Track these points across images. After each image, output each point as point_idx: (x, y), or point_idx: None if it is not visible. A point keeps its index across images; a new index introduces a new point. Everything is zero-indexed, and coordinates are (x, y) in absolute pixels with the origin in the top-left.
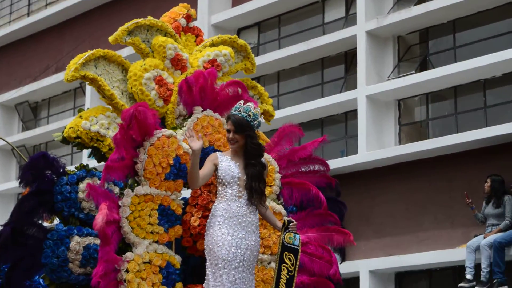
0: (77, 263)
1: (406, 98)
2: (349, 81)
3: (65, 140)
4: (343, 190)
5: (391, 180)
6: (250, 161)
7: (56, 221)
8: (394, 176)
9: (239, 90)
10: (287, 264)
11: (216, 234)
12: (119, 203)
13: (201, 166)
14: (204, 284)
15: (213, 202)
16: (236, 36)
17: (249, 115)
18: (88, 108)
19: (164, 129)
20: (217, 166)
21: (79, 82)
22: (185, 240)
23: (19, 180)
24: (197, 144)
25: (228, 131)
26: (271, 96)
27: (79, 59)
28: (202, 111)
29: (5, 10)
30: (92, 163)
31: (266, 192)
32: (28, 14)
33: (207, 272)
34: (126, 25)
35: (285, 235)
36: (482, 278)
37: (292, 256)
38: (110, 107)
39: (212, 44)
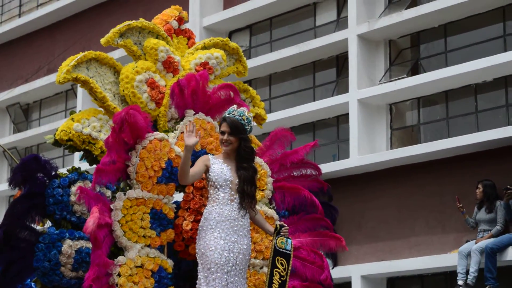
0: (69, 267)
1: (397, 102)
2: (340, 85)
3: (57, 143)
4: (334, 195)
5: (382, 184)
6: (242, 164)
7: (48, 224)
8: (385, 181)
9: (231, 93)
10: (279, 269)
11: (208, 238)
12: (111, 206)
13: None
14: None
15: (205, 206)
16: (228, 39)
17: (243, 119)
18: (80, 111)
19: (156, 132)
20: (208, 168)
21: (70, 84)
22: (177, 244)
23: (9, 182)
24: (192, 140)
25: (223, 132)
26: (263, 99)
27: (70, 61)
28: (194, 114)
29: None
30: (84, 165)
31: (258, 197)
32: (19, 15)
33: (199, 276)
34: (118, 27)
35: (277, 239)
36: (469, 282)
37: (284, 261)
38: (102, 109)
39: (204, 47)
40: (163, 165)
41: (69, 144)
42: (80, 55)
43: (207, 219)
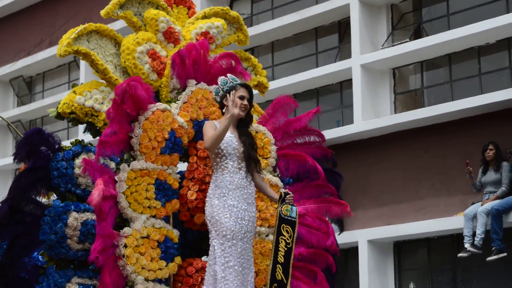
0: (75, 239)
1: (400, 66)
2: (343, 51)
3: (59, 116)
4: (339, 160)
5: (387, 149)
6: (244, 130)
7: (53, 197)
8: (390, 145)
9: (233, 62)
10: (284, 236)
11: (222, 206)
12: (116, 178)
13: (196, 138)
14: (210, 255)
15: (210, 175)
16: (229, 7)
17: None
18: (82, 83)
19: (158, 103)
20: None
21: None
22: (183, 214)
23: (13, 157)
24: (237, 110)
25: (242, 97)
26: (265, 67)
27: (71, 33)
28: (195, 84)
29: None
30: (88, 138)
31: (262, 165)
32: None
33: (212, 243)
34: None
35: (282, 207)
36: (476, 243)
37: (290, 228)
38: (104, 81)
39: (205, 16)
40: (166, 136)
41: (71, 117)
42: (80, 27)
43: (219, 186)
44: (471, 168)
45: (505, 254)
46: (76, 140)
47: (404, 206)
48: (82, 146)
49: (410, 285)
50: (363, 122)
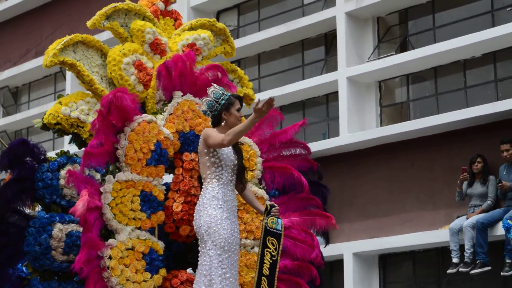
0: (60, 251)
1: (386, 79)
2: (329, 63)
3: (45, 127)
4: (325, 173)
5: (373, 161)
6: (236, 143)
7: (38, 208)
8: (376, 158)
9: (219, 74)
10: (270, 248)
11: (220, 217)
12: (101, 189)
13: (182, 150)
14: (202, 266)
15: (195, 187)
16: (215, 19)
17: None
18: (68, 94)
19: (144, 115)
20: None
21: (59, 66)
22: (168, 226)
23: None
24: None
25: (239, 110)
26: (251, 79)
27: (57, 44)
28: (182, 95)
29: None
30: (73, 149)
31: (248, 177)
32: None
33: (209, 253)
34: (104, 9)
35: (267, 219)
36: (466, 259)
37: (275, 240)
38: (90, 92)
39: (191, 28)
40: (152, 147)
41: (57, 128)
42: (66, 38)
43: (215, 197)
44: (467, 175)
45: (489, 267)
46: (61, 151)
47: (389, 219)
48: (67, 157)
49: None
50: (349, 135)
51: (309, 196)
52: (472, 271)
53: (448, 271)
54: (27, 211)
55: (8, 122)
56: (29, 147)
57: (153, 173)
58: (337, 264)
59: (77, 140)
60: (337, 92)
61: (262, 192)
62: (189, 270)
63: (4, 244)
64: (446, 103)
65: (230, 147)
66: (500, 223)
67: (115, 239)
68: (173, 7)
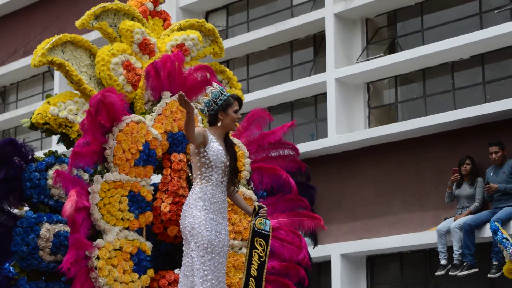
0: (47, 251)
1: (375, 81)
2: (318, 64)
3: (33, 127)
4: (313, 174)
5: (361, 163)
6: (229, 141)
7: (26, 208)
8: (364, 159)
9: (208, 74)
10: (258, 249)
11: (204, 218)
12: (89, 189)
13: (170, 151)
14: (185, 266)
15: (184, 188)
16: (204, 20)
17: None
18: (56, 94)
19: (133, 115)
20: (206, 143)
21: (47, 66)
22: (156, 227)
23: None
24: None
25: (236, 111)
26: (240, 80)
27: (46, 44)
28: (170, 96)
29: None
30: (61, 149)
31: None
32: None
33: (191, 254)
34: (93, 9)
35: (255, 220)
36: (455, 262)
37: (263, 241)
38: (78, 92)
39: (180, 28)
40: (141, 148)
41: (45, 128)
42: (55, 38)
43: (201, 198)
44: (458, 176)
45: (476, 269)
46: (49, 151)
47: (377, 220)
48: (55, 157)
49: None
50: (337, 136)
51: (297, 197)
52: (460, 273)
53: (437, 273)
54: (15, 211)
55: None
56: (17, 146)
57: (142, 174)
58: (325, 265)
59: (65, 140)
60: (325, 93)
61: (250, 193)
62: (177, 271)
63: None
64: (434, 105)
65: (222, 148)
66: (488, 225)
67: (103, 239)
68: (162, 7)
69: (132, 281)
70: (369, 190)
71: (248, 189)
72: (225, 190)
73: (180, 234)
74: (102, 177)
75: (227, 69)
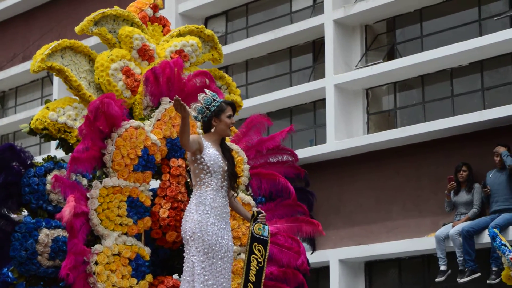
0: (46, 256)
1: (374, 87)
2: (317, 70)
3: (32, 132)
4: (312, 180)
5: (360, 169)
6: (226, 146)
7: (24, 213)
8: (362, 165)
9: (207, 80)
10: (256, 255)
11: (205, 223)
12: (88, 195)
13: (169, 156)
14: (185, 272)
15: (182, 193)
16: (203, 26)
17: None
18: (55, 99)
19: (131, 120)
20: (201, 149)
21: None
22: (154, 232)
23: None
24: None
25: (230, 116)
26: (239, 85)
27: (45, 49)
28: (169, 101)
29: None
30: (60, 154)
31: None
32: None
33: (192, 259)
34: (93, 15)
35: (254, 226)
36: (461, 267)
37: (262, 247)
38: (78, 98)
39: (179, 34)
40: (139, 153)
41: (44, 133)
42: (54, 43)
43: (203, 203)
44: (454, 184)
45: (479, 274)
46: (48, 156)
47: (375, 226)
48: (54, 163)
49: None
50: (336, 142)
51: (295, 203)
52: (461, 280)
53: (437, 279)
54: (13, 216)
55: None
56: (16, 152)
57: (140, 179)
58: (323, 271)
59: (64, 145)
60: (324, 99)
61: (249, 199)
62: (175, 276)
63: None
64: (433, 111)
65: (218, 153)
66: (486, 231)
67: (101, 244)
68: (161, 13)
69: (131, 286)
70: (368, 196)
71: (247, 194)
72: (226, 195)
73: (178, 240)
74: (101, 182)
75: (226, 75)
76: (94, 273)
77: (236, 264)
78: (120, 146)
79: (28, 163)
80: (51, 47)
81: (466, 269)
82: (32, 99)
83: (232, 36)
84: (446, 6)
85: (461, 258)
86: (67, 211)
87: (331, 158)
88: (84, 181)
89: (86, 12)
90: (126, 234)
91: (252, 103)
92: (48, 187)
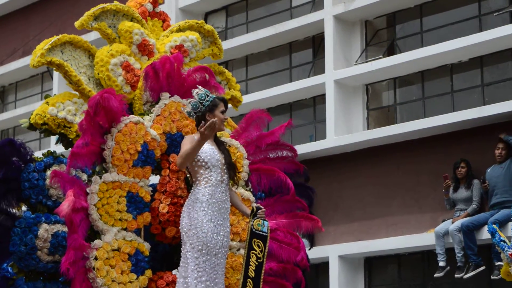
0: (45, 251)
1: (374, 82)
2: (317, 66)
3: (32, 127)
4: (311, 175)
5: (359, 164)
6: (219, 140)
7: (24, 208)
8: (362, 161)
9: (206, 75)
10: (256, 251)
11: (201, 220)
12: (87, 190)
13: (169, 151)
14: (180, 267)
15: (182, 189)
16: (203, 21)
17: None
18: (55, 94)
19: (131, 116)
20: None
21: (46, 66)
22: (154, 227)
23: None
24: (211, 133)
25: (223, 112)
26: (239, 81)
27: (45, 44)
28: (169, 97)
29: None
30: (60, 149)
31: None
32: None
33: (186, 255)
34: (92, 10)
35: (253, 222)
36: (459, 264)
37: (261, 243)
38: (77, 93)
39: (179, 30)
40: (139, 148)
41: (44, 128)
42: (54, 38)
43: (200, 200)
44: (450, 182)
45: (483, 267)
46: (48, 151)
47: (375, 222)
48: (54, 158)
49: None
50: (335, 138)
51: (295, 199)
52: (466, 275)
53: (435, 275)
54: (13, 211)
55: None
56: (16, 147)
57: (140, 174)
58: (323, 266)
59: (64, 140)
60: (324, 94)
61: (248, 194)
62: (175, 272)
63: None
64: (432, 107)
65: (213, 146)
66: (485, 227)
67: (101, 240)
68: (161, 8)
69: (130, 282)
70: (368, 191)
71: (246, 190)
72: (227, 190)
73: (178, 235)
74: (100, 177)
75: (226, 70)
76: (93, 268)
77: (236, 259)
78: (119, 141)
79: (28, 158)
80: (51, 42)
81: (470, 264)
82: (32, 94)
83: (232, 31)
84: (446, 2)
85: (460, 254)
86: (65, 205)
87: (331, 153)
88: (84, 176)
89: (86, 7)
90: (125, 229)
91: (252, 99)
92: (48, 182)
